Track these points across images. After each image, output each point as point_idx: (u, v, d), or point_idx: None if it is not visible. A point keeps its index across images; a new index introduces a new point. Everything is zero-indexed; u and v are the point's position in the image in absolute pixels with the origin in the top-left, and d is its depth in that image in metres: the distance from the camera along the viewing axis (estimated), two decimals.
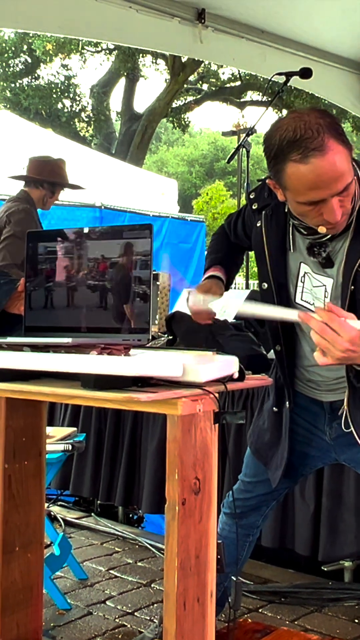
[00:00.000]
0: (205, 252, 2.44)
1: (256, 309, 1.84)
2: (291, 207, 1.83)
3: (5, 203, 4.27)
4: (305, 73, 4.61)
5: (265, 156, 1.79)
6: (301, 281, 1.95)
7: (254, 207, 2.07)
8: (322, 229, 1.78)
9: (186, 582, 1.57)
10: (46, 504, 2.26)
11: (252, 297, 3.59)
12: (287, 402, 2.09)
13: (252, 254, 2.17)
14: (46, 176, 4.21)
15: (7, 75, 19.49)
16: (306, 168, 1.67)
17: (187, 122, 20.79)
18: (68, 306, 1.93)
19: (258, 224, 2.02)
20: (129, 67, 18.27)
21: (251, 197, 2.09)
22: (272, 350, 2.11)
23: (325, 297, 1.90)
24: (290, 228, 1.96)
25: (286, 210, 1.95)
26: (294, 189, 1.73)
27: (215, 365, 1.62)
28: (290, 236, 1.96)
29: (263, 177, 2.07)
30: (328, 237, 1.85)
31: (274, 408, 2.13)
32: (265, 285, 2.01)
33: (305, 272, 1.94)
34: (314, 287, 1.93)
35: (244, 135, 5.07)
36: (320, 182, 1.68)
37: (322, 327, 1.60)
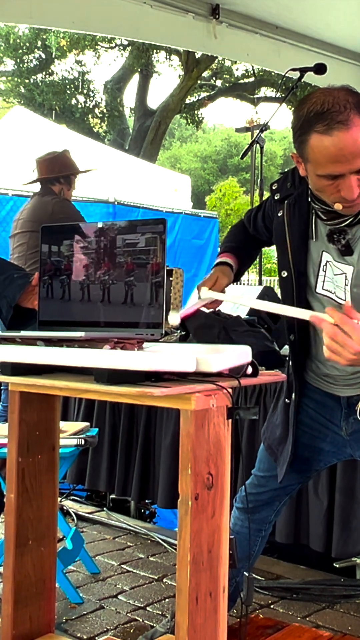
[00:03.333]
0: (220, 243, 2.45)
1: (270, 306, 1.84)
2: (311, 181, 1.84)
3: (34, 198, 4.31)
4: (320, 69, 4.59)
5: (292, 128, 1.82)
6: (323, 270, 1.96)
7: (276, 198, 2.08)
8: (338, 206, 1.80)
9: (198, 576, 1.58)
10: (59, 498, 2.26)
11: (265, 293, 3.60)
12: (294, 395, 2.09)
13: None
14: (58, 172, 4.27)
15: (21, 71, 19.52)
16: (329, 140, 1.69)
17: (200, 118, 20.76)
18: (82, 300, 1.93)
19: (280, 214, 2.03)
20: (143, 63, 18.26)
21: (273, 187, 2.11)
22: (285, 346, 2.10)
23: (345, 284, 1.90)
24: (313, 217, 1.96)
25: (309, 199, 1.96)
26: (315, 161, 1.75)
27: (227, 355, 1.61)
28: (313, 225, 1.97)
29: (284, 170, 2.08)
30: (347, 222, 1.86)
31: (286, 400, 2.13)
32: (285, 273, 2.02)
33: (327, 261, 1.95)
34: (335, 275, 1.93)
35: (258, 131, 5.06)
36: (341, 156, 1.69)
37: (334, 330, 1.57)
